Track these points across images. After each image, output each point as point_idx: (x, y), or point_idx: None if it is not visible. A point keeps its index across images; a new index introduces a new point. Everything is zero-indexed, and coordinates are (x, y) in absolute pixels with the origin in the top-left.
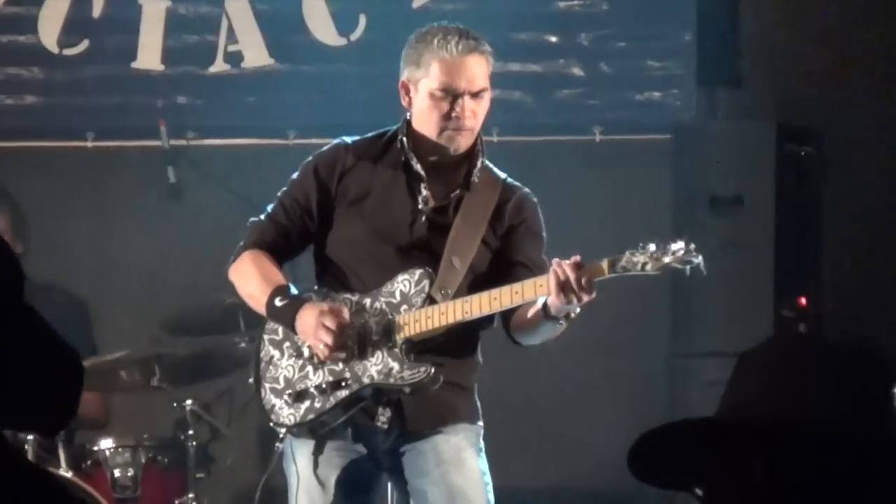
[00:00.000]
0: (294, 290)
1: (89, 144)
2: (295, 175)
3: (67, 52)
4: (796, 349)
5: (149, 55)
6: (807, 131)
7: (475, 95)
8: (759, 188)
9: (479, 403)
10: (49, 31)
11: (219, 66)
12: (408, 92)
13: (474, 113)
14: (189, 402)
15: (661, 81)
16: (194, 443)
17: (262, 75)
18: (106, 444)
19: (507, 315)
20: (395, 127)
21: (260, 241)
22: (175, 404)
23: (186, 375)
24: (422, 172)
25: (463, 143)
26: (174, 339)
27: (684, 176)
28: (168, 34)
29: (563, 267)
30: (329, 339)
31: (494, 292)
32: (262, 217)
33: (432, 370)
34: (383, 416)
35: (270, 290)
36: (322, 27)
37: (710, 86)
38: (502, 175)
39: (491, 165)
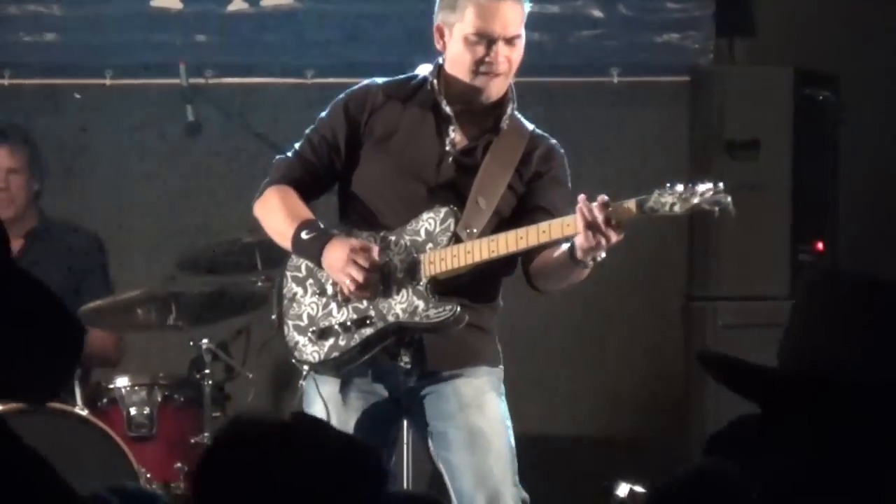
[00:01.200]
0: (320, 224)
1: (107, 82)
2: (324, 112)
3: None
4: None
5: None
6: (824, 76)
7: (509, 41)
8: (776, 132)
9: (499, 347)
10: None
11: (237, 4)
12: (442, 35)
13: (508, 59)
14: (205, 340)
15: (680, 24)
16: (210, 382)
17: (280, 14)
18: (122, 382)
19: (528, 259)
20: (427, 71)
21: (287, 177)
22: (191, 343)
23: (203, 314)
24: (451, 114)
25: (495, 89)
26: (191, 277)
27: (701, 119)
28: None
29: (590, 206)
30: (359, 276)
31: (521, 231)
32: (289, 154)
33: (458, 309)
34: (405, 357)
35: (297, 223)
36: None
37: (727, 29)
38: (530, 126)
39: (520, 116)
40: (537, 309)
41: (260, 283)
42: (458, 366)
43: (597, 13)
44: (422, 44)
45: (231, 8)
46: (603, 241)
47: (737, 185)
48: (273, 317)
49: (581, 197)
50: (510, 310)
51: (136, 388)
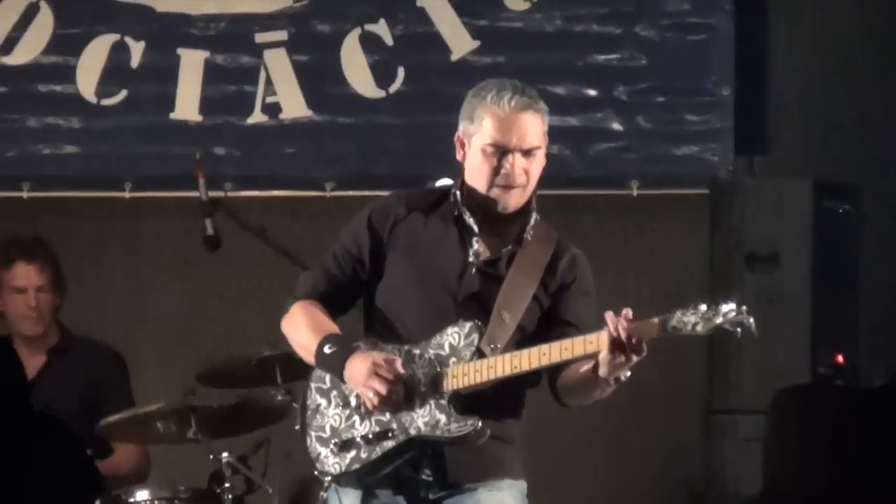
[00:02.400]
0: (344, 338)
1: (126, 195)
2: (347, 225)
3: (105, 101)
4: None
5: (187, 105)
6: (844, 188)
7: (527, 153)
8: (796, 245)
9: (522, 459)
10: (87, 80)
11: (257, 116)
12: (462, 146)
13: (525, 171)
14: (225, 454)
15: (699, 136)
16: (230, 495)
17: (299, 126)
18: (142, 495)
19: (553, 375)
20: (448, 182)
21: (312, 292)
22: (211, 456)
23: (222, 427)
24: (474, 227)
25: (512, 201)
26: (210, 390)
27: (721, 231)
28: (206, 84)
29: (616, 322)
30: (382, 389)
31: (544, 347)
32: (314, 268)
33: (479, 424)
34: (427, 469)
35: (320, 337)
36: (360, 79)
37: (747, 142)
38: (556, 234)
39: (544, 223)
40: (558, 417)
41: (280, 397)
42: (480, 478)
43: (616, 126)
44: (439, 157)
45: (250, 120)
46: (625, 360)
47: (756, 298)
48: (297, 427)
49: (608, 314)
50: (530, 416)
51: (156, 501)
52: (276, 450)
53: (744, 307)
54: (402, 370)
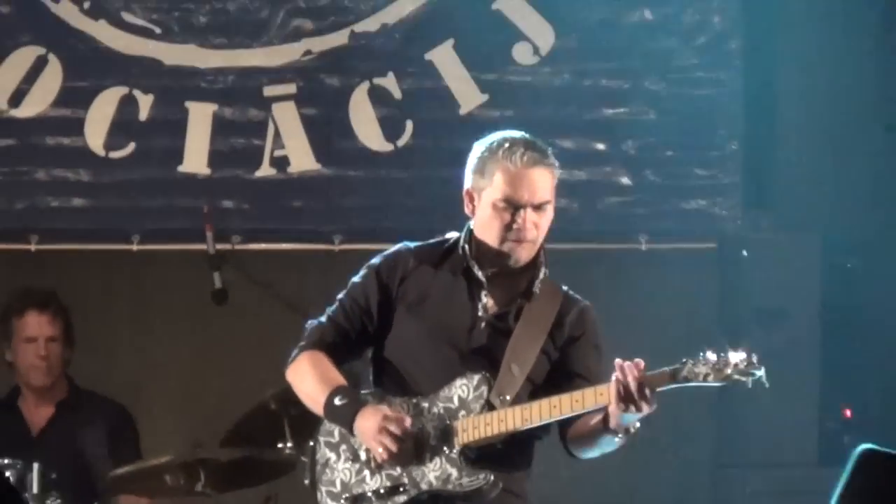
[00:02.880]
0: (353, 390)
1: (134, 248)
2: (356, 277)
3: (114, 154)
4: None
5: (195, 158)
6: (851, 243)
7: (538, 208)
8: (804, 299)
9: None
10: (96, 133)
11: (265, 170)
12: (472, 200)
13: (536, 225)
14: None
15: (708, 190)
16: None
17: (308, 180)
18: None
19: (564, 427)
20: (457, 234)
21: (319, 342)
22: None
23: (231, 481)
24: (483, 280)
25: (524, 255)
26: (218, 444)
27: (730, 285)
28: (214, 138)
29: (625, 371)
30: (392, 445)
31: (554, 399)
32: (322, 318)
33: (491, 478)
34: None
35: (329, 389)
36: (369, 132)
37: (755, 196)
38: (564, 287)
39: (552, 280)
40: (566, 470)
41: (287, 451)
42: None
43: (625, 180)
44: (448, 211)
45: (259, 174)
46: (634, 410)
47: (765, 352)
48: (306, 482)
49: (618, 362)
50: (539, 470)
51: None
52: (284, 503)
53: (754, 356)
54: (410, 426)
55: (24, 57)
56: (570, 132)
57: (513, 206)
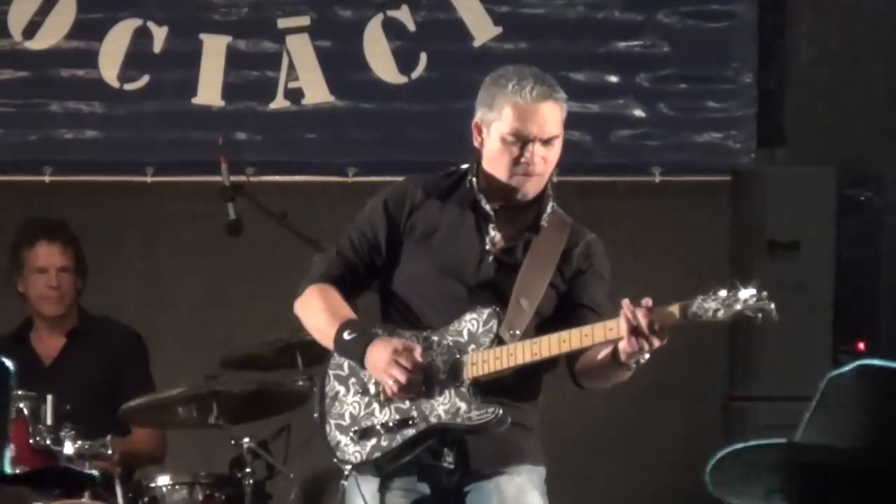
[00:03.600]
0: (362, 323)
1: (148, 179)
2: (364, 210)
3: (128, 86)
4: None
5: (209, 91)
6: (866, 175)
7: (546, 142)
8: (818, 232)
9: (541, 444)
10: (110, 65)
11: (279, 102)
12: (480, 132)
13: (544, 159)
14: (246, 439)
15: (721, 123)
16: (251, 480)
17: (322, 112)
18: (163, 480)
19: (572, 359)
20: (465, 166)
21: (327, 275)
22: (232, 441)
23: (244, 412)
24: (490, 213)
25: (531, 188)
26: (231, 375)
27: (742, 218)
28: (228, 70)
29: (633, 311)
30: (402, 377)
31: (564, 334)
32: (329, 251)
33: (500, 411)
34: (448, 456)
35: (339, 323)
36: (383, 65)
37: (769, 129)
38: (570, 219)
39: (560, 211)
40: (577, 406)
41: (301, 382)
42: (500, 464)
43: (638, 112)
44: (461, 143)
45: (273, 106)
46: (646, 346)
47: (778, 286)
48: (315, 415)
49: (625, 301)
50: (550, 406)
51: (178, 486)
52: (296, 435)
53: (764, 293)
54: (421, 358)
55: None
56: (583, 65)
57: (521, 140)
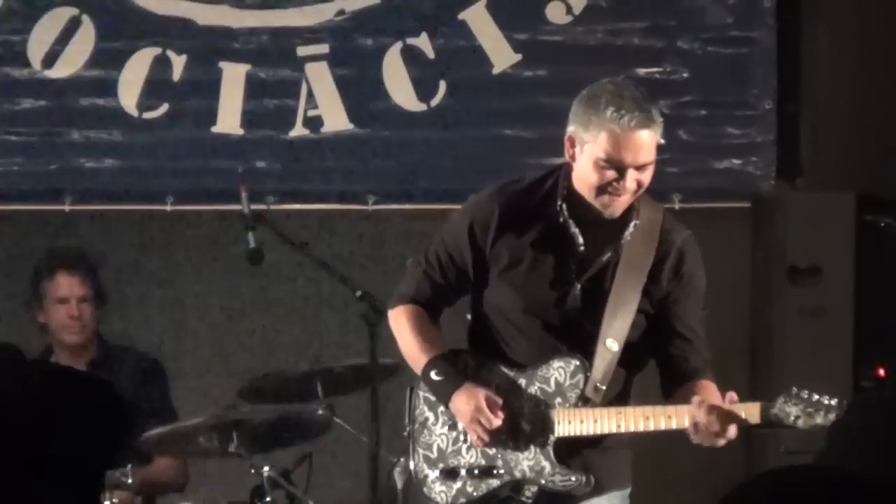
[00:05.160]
0: (450, 357)
1: (168, 208)
2: (450, 226)
3: (147, 115)
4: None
5: (228, 119)
6: (886, 201)
7: (640, 167)
8: (838, 258)
9: (630, 460)
10: (129, 94)
11: (298, 130)
12: (573, 146)
13: (637, 181)
14: (266, 468)
15: (741, 149)
16: None
17: (341, 140)
18: None
19: (666, 392)
20: (554, 173)
21: (417, 296)
22: (252, 470)
23: (264, 442)
24: (579, 238)
25: (619, 208)
26: (251, 404)
27: (763, 244)
28: (248, 98)
29: (709, 418)
30: (485, 436)
31: (648, 411)
32: (421, 265)
33: (583, 479)
34: (528, 492)
35: (427, 358)
36: (402, 92)
37: (789, 155)
38: (661, 210)
39: (649, 200)
40: None
41: (321, 411)
42: (585, 495)
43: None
44: (481, 170)
45: (292, 134)
46: (721, 442)
47: (798, 311)
48: (405, 433)
49: (696, 400)
50: None
51: None
52: (317, 464)
53: (844, 403)
54: (501, 420)
55: (57, 18)
56: None
57: (616, 166)
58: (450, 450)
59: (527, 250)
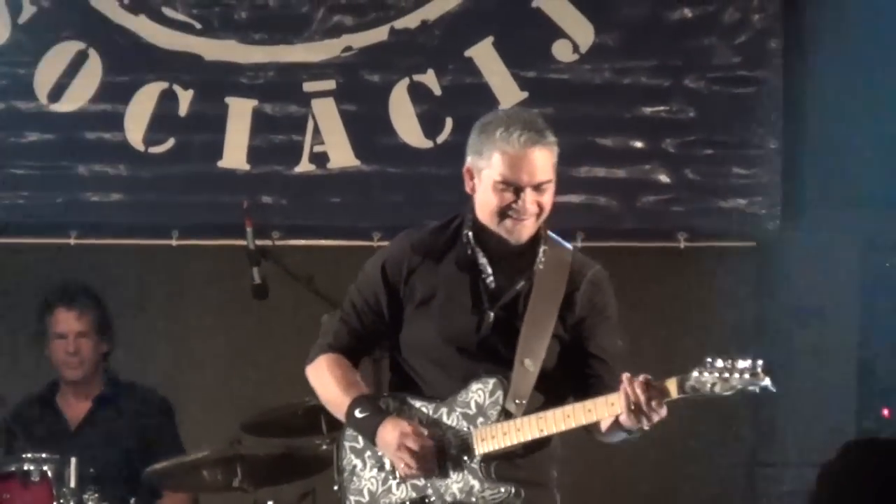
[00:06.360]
0: (372, 397)
1: (174, 243)
2: (364, 273)
3: (153, 149)
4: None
5: (234, 154)
6: (891, 243)
7: (537, 188)
8: (843, 299)
9: (558, 496)
10: (135, 128)
11: (304, 165)
12: (472, 177)
13: (537, 203)
14: (270, 502)
15: (747, 189)
16: None
17: (347, 176)
18: None
19: None
20: (459, 215)
21: (335, 345)
22: None
23: (268, 476)
24: (488, 269)
25: (525, 232)
26: (255, 438)
27: (768, 284)
28: (254, 133)
29: (633, 387)
30: (412, 462)
31: (568, 409)
32: (334, 318)
33: (512, 490)
34: None
35: (349, 399)
36: (408, 129)
37: (794, 195)
38: (568, 250)
39: (556, 240)
40: (601, 468)
41: (325, 446)
42: None
43: (664, 178)
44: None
45: (298, 169)
46: (645, 422)
47: (804, 352)
48: (335, 488)
49: (625, 376)
50: (573, 469)
51: None
52: (321, 499)
53: (759, 362)
54: (429, 441)
55: (64, 52)
56: (610, 130)
57: (513, 186)
58: (380, 490)
59: (440, 283)
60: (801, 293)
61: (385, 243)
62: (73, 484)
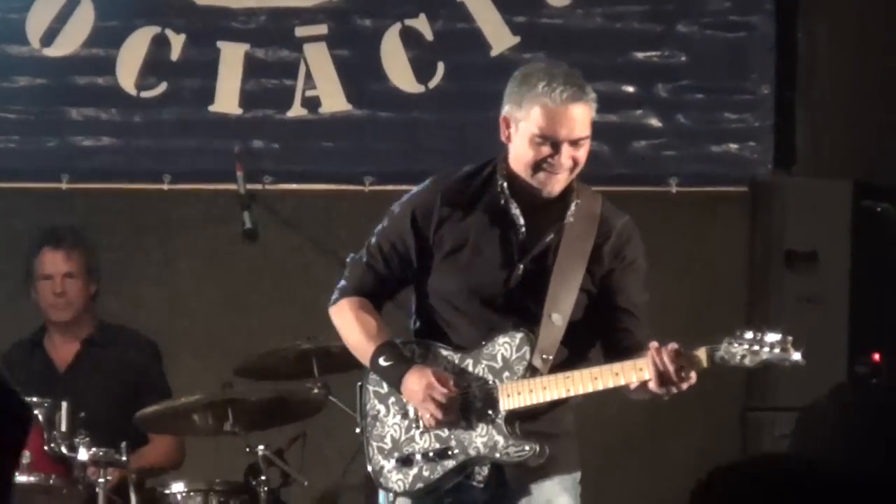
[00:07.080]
0: (397, 344)
1: (165, 187)
2: (391, 216)
3: (145, 94)
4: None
5: (226, 99)
6: (883, 188)
7: (575, 143)
8: (834, 244)
9: (575, 446)
10: (127, 73)
11: (296, 110)
12: (507, 126)
13: (573, 157)
14: (261, 447)
15: (739, 134)
16: (266, 488)
17: (339, 121)
18: (177, 487)
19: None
20: (491, 161)
21: (360, 288)
22: (247, 449)
23: (259, 420)
24: (521, 220)
25: (557, 185)
26: (247, 383)
27: (760, 229)
28: (246, 78)
29: (661, 356)
30: (437, 413)
31: (595, 371)
32: (362, 258)
33: (537, 448)
34: (479, 475)
35: (374, 346)
36: (400, 74)
37: (787, 140)
38: (599, 201)
39: (588, 190)
40: (592, 413)
41: (316, 391)
42: (534, 478)
43: (655, 123)
44: (479, 152)
45: (290, 114)
46: (674, 389)
47: (795, 297)
48: (357, 430)
49: (653, 345)
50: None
51: (192, 493)
52: (312, 443)
53: (789, 338)
54: (454, 392)
55: None
56: (601, 75)
57: (550, 141)
58: (403, 438)
59: (469, 233)
60: (793, 238)
61: (377, 188)
62: (63, 428)
